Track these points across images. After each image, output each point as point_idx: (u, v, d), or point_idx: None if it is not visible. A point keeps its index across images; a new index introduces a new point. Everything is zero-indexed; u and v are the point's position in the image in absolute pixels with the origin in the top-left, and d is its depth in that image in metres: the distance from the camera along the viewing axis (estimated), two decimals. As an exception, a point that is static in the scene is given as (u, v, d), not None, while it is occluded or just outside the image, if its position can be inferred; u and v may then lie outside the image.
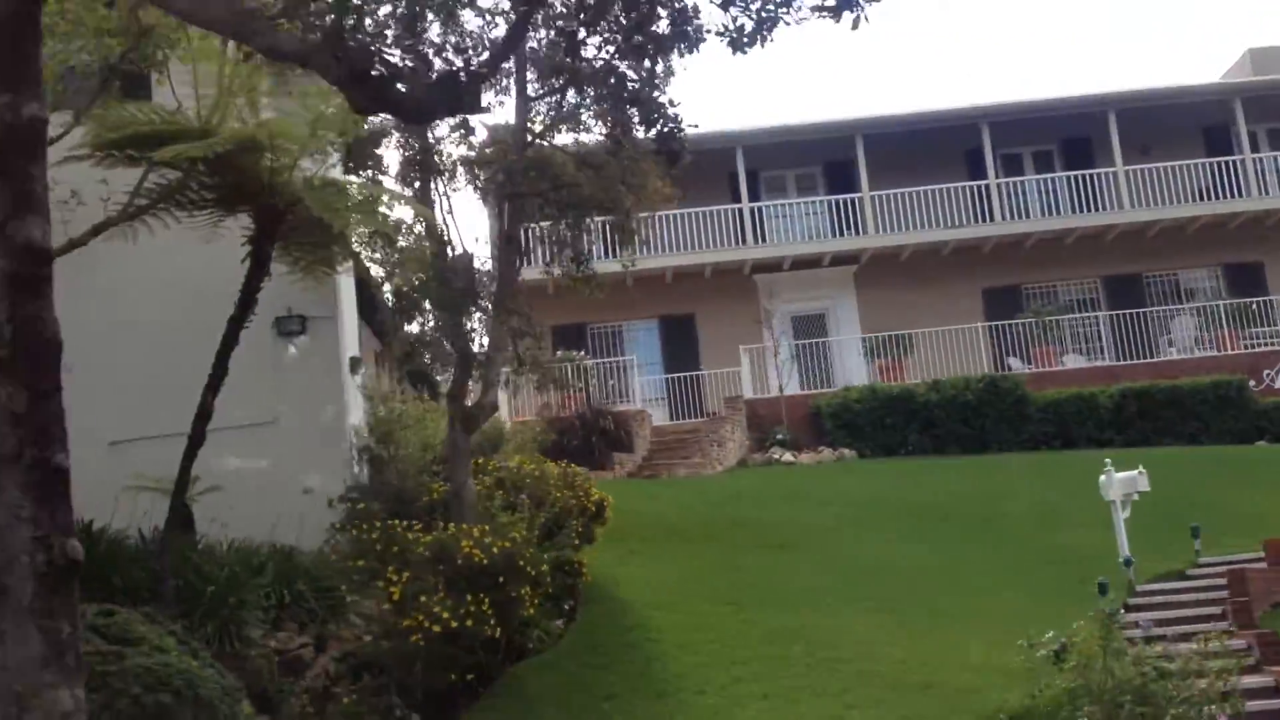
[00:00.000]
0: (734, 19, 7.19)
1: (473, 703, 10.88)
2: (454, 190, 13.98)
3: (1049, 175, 28.35)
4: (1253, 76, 28.89)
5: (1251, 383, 23.80)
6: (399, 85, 4.42)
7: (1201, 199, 27.19)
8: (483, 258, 14.90)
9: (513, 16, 13.21)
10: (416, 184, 13.38)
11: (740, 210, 26.96)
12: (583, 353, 24.27)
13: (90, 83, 11.09)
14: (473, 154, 14.23)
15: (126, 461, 11.69)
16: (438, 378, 18.13)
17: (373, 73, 4.35)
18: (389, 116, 13.12)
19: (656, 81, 8.93)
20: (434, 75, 5.70)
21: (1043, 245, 27.43)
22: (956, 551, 15.46)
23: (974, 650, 11.76)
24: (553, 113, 13.30)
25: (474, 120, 13.87)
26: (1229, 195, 26.94)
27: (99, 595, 8.79)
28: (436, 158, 13.60)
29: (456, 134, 14.03)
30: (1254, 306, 26.27)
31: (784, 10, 7.07)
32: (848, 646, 11.98)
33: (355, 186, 11.61)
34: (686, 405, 25.82)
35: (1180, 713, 8.13)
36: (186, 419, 10.72)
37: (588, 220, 13.91)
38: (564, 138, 13.94)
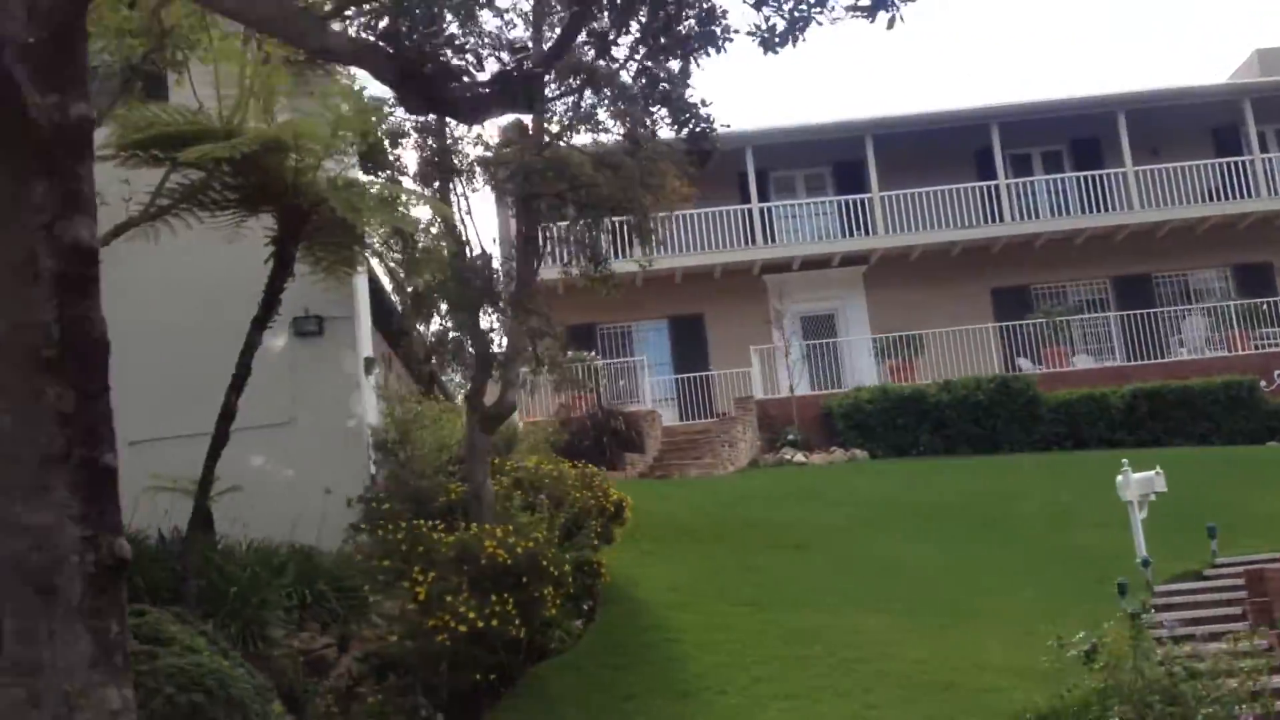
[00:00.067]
0: (766, 19, 7.18)
1: (495, 703, 10.89)
2: (473, 191, 13.98)
3: (1058, 176, 28.36)
4: (1260, 77, 28.89)
5: (1262, 383, 23.80)
6: (451, 84, 4.44)
7: (1211, 199, 27.19)
8: (499, 258, 14.90)
9: (531, 17, 13.32)
10: (435, 184, 13.37)
11: (750, 210, 26.97)
12: (593, 353, 24.28)
13: (111, 83, 11.09)
14: (489, 154, 14.22)
15: (145, 461, 11.69)
16: (444, 378, 18.08)
17: (425, 72, 4.37)
18: (409, 116, 13.19)
19: (681, 81, 8.93)
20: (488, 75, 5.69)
21: (1052, 246, 27.43)
22: (970, 552, 15.45)
23: (993, 650, 11.76)
24: (570, 113, 13.30)
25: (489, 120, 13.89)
26: (1238, 196, 26.95)
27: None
28: (455, 159, 13.59)
29: (473, 134, 14.05)
30: (1264, 307, 26.28)
31: (818, 10, 7.06)
32: (866, 647, 11.97)
33: (377, 187, 11.62)
34: (696, 406, 25.84)
35: (1211, 712, 8.14)
36: (203, 419, 10.73)
37: (605, 220, 13.91)
38: (581, 138, 13.96)
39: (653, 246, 14.49)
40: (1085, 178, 27.29)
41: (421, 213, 12.77)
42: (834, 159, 28.30)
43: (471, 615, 10.33)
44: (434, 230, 13.21)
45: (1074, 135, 28.40)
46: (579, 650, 11.95)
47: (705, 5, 8.25)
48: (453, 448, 14.73)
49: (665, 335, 27.26)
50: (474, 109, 5.01)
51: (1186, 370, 24.55)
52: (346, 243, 10.83)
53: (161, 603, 9.40)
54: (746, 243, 26.87)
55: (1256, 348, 25.67)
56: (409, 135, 13.53)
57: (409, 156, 13.82)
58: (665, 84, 8.79)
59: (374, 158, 12.91)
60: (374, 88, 16.91)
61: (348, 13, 5.38)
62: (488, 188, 14.52)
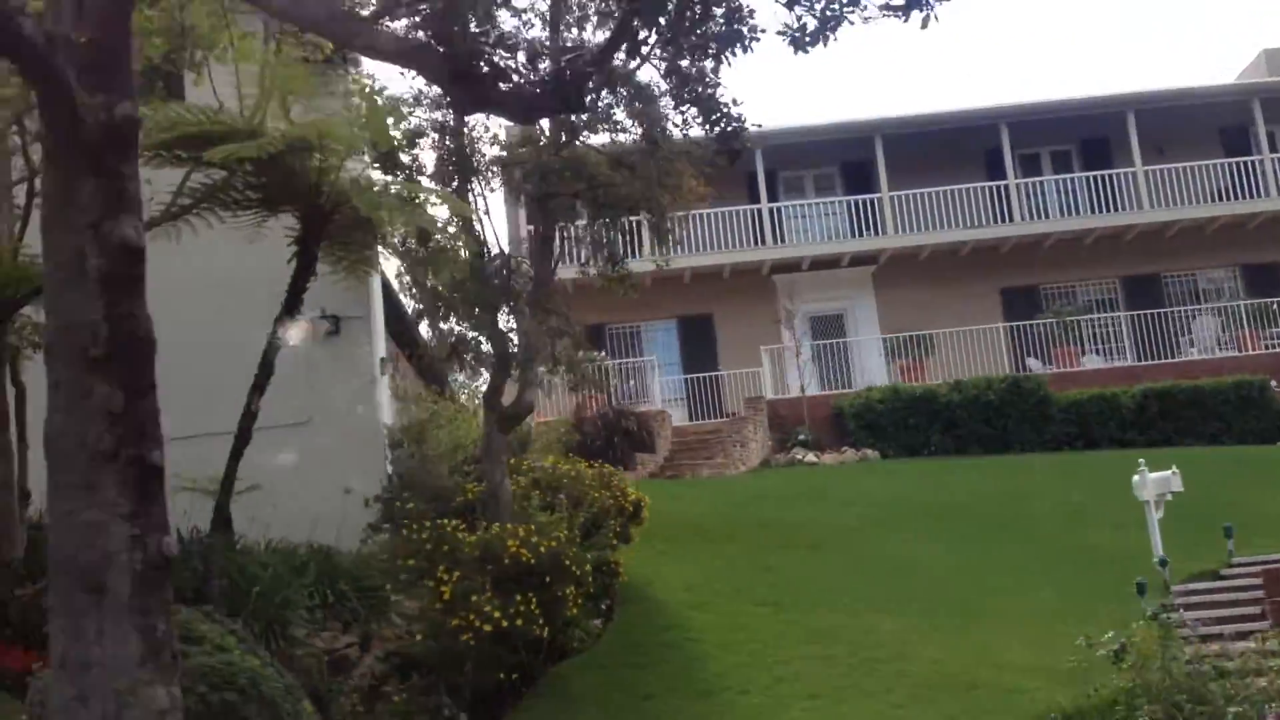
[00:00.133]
0: (798, 18, 7.16)
1: (516, 702, 10.89)
2: (491, 190, 13.97)
3: (1068, 175, 28.33)
4: (1268, 77, 28.90)
5: (1273, 383, 23.74)
6: (501, 84, 4.44)
7: (1220, 199, 27.17)
8: (516, 257, 14.90)
9: (548, 16, 13.30)
10: (454, 184, 13.37)
11: (759, 211, 26.96)
12: (603, 353, 24.27)
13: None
14: (505, 154, 14.23)
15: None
16: (450, 378, 18.07)
17: (477, 72, 4.37)
18: (428, 116, 13.19)
19: (712, 81, 8.93)
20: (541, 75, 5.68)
21: (1061, 245, 27.41)
22: (983, 551, 15.45)
23: (1013, 650, 11.75)
24: (587, 112, 13.27)
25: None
26: (1248, 195, 26.92)
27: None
28: (474, 159, 13.59)
29: (490, 134, 14.06)
30: (1274, 306, 26.26)
31: (850, 9, 7.04)
32: (886, 646, 11.97)
33: (397, 187, 11.62)
34: (706, 406, 25.82)
35: (1240, 711, 8.14)
36: (214, 419, 10.73)
37: (623, 220, 13.92)
38: (598, 138, 13.96)
39: (670, 246, 14.50)
40: (1094, 178, 27.27)
41: (439, 212, 12.78)
42: (843, 159, 28.28)
43: (496, 615, 10.33)
44: (451, 229, 13.20)
45: (1083, 135, 28.37)
46: (599, 650, 11.95)
47: (733, 4, 8.21)
48: (468, 447, 14.73)
49: (674, 335, 27.25)
50: (526, 109, 5.00)
51: (1197, 370, 24.54)
52: (367, 242, 10.83)
53: (185, 603, 9.40)
54: (756, 243, 26.85)
55: (1267, 348, 25.67)
56: (426, 135, 13.51)
57: (426, 156, 13.82)
58: (696, 84, 8.79)
59: (391, 157, 12.90)
60: (394, 88, 16.89)
61: (394, 13, 5.39)
62: (503, 188, 14.53)
